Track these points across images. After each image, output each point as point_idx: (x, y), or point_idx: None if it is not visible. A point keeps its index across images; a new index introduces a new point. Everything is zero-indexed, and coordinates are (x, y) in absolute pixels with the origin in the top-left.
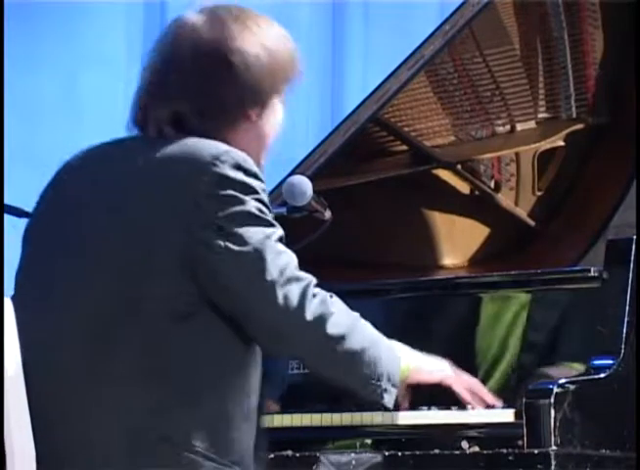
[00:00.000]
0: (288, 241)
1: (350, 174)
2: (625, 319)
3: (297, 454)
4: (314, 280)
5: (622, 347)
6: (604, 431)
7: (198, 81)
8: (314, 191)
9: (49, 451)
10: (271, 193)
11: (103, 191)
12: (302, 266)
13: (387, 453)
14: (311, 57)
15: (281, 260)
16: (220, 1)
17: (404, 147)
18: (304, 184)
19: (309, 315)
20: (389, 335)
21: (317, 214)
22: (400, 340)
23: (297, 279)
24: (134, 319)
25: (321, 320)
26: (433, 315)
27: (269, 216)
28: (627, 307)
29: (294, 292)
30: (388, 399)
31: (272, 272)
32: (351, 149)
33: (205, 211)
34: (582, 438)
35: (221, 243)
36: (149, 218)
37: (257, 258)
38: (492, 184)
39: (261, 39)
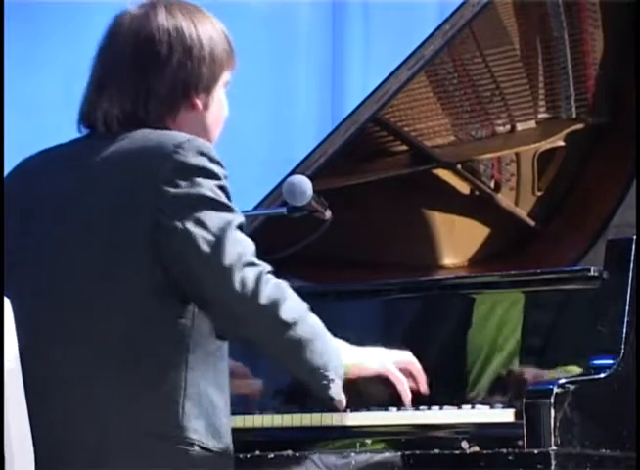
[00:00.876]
0: (287, 241)
1: (350, 174)
2: (625, 319)
3: (297, 454)
4: (269, 267)
5: (622, 347)
6: (604, 431)
7: (136, 73)
8: (314, 191)
9: (44, 449)
10: (271, 193)
11: (68, 191)
12: (303, 266)
13: (386, 453)
14: (311, 57)
15: (239, 247)
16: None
17: (404, 147)
18: (304, 184)
19: (264, 299)
20: (389, 335)
21: (317, 214)
22: (400, 340)
23: (253, 264)
24: (112, 313)
25: (275, 305)
26: (433, 315)
27: (230, 202)
28: (627, 307)
29: (249, 276)
30: (335, 390)
31: (230, 257)
32: (351, 149)
33: (166, 196)
34: (582, 438)
35: (181, 226)
36: (117, 212)
37: (217, 243)
38: (492, 184)
39: (198, 29)
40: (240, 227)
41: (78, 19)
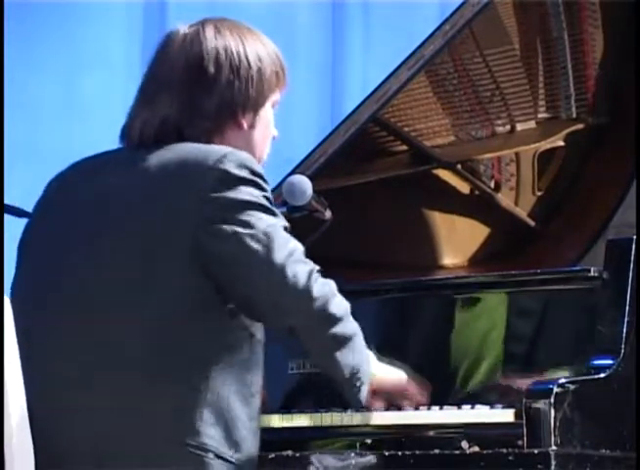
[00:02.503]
0: None
1: (350, 174)
2: (625, 319)
3: (297, 454)
4: (318, 267)
5: (622, 347)
6: (604, 431)
7: (184, 90)
8: (314, 191)
9: (46, 450)
10: (271, 193)
11: (114, 198)
12: None
13: (387, 453)
14: (311, 57)
15: (289, 244)
16: (229, 13)
17: (404, 147)
18: (304, 184)
19: (316, 293)
20: (389, 335)
21: (317, 214)
22: (400, 339)
23: (304, 262)
24: (141, 319)
25: (325, 299)
26: (432, 315)
27: (274, 208)
28: (627, 307)
29: (302, 270)
30: (364, 395)
31: (282, 254)
32: (351, 149)
33: (211, 206)
34: (582, 438)
35: (229, 229)
36: (160, 220)
37: (266, 241)
38: (492, 184)
39: (247, 48)
40: (285, 229)
41: (78, 19)
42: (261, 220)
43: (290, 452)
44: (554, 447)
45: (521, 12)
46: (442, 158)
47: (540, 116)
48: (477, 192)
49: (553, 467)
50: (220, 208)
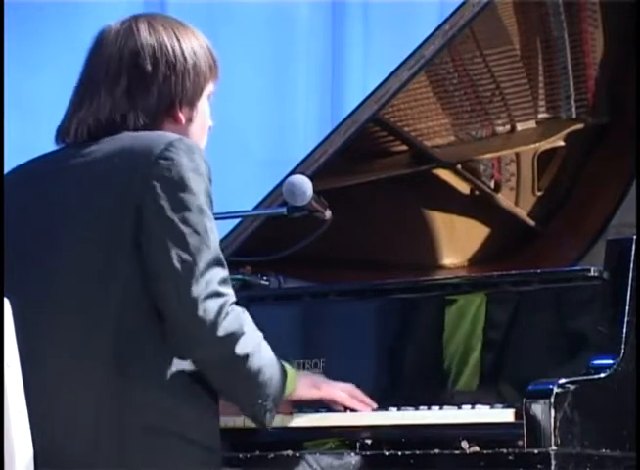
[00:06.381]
0: (288, 241)
1: (350, 174)
2: (625, 319)
3: (297, 454)
4: (233, 298)
5: (622, 347)
6: (604, 431)
7: (121, 88)
8: (314, 191)
9: (44, 449)
10: (271, 193)
11: (63, 198)
12: (303, 266)
13: (387, 453)
14: (311, 57)
15: (209, 274)
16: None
17: (404, 147)
18: (304, 184)
19: (221, 332)
20: (390, 335)
21: (317, 214)
22: (400, 339)
23: (218, 295)
24: (105, 309)
25: (231, 338)
26: (432, 315)
27: (210, 210)
28: (627, 307)
29: (212, 307)
30: (269, 419)
31: (199, 285)
32: (351, 149)
33: (154, 192)
34: (582, 438)
35: (159, 232)
36: (109, 210)
37: (190, 263)
38: (492, 184)
39: (181, 43)
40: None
41: (79, 19)
42: (193, 235)
43: (289, 452)
44: (554, 447)
45: (521, 12)
46: (442, 158)
47: (540, 116)
48: (477, 192)
49: (553, 467)
50: (162, 201)
